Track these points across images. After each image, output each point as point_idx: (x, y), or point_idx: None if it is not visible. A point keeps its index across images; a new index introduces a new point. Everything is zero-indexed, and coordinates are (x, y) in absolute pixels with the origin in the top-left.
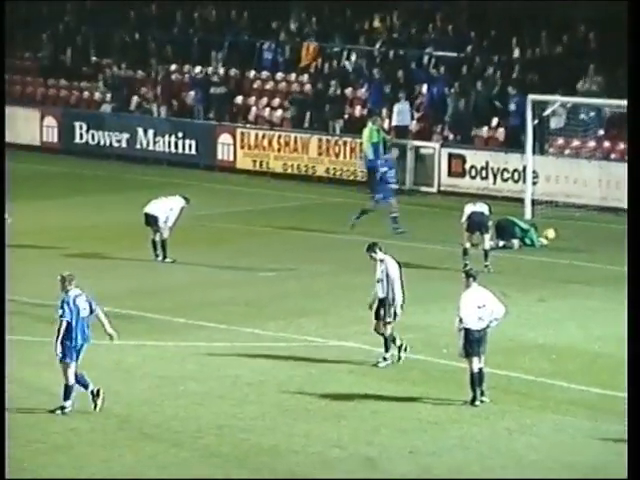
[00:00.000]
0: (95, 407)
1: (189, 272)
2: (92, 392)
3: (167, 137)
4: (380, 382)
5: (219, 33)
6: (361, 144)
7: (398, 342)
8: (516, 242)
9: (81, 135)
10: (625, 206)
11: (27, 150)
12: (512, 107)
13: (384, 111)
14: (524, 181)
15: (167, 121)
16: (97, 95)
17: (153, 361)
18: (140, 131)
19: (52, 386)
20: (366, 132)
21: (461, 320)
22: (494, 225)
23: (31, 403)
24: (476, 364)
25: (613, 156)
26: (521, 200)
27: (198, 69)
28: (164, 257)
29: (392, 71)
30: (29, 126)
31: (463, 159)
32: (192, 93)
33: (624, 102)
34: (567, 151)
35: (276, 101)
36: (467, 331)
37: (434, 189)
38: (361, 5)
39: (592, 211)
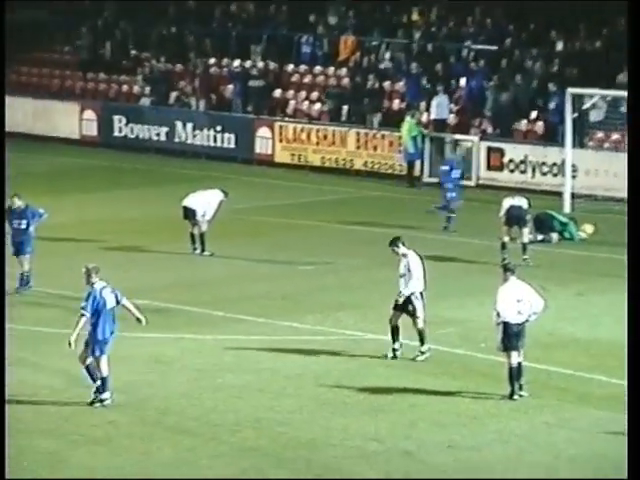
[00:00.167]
0: (92, 403)
1: (227, 265)
2: (97, 388)
3: (206, 131)
4: (418, 376)
5: (258, 27)
6: (399, 137)
7: (425, 347)
8: (555, 236)
9: (120, 128)
10: None
11: (66, 143)
12: (551, 101)
13: (422, 105)
14: (563, 175)
15: (206, 115)
16: (136, 89)
17: (191, 354)
18: (179, 125)
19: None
20: (405, 126)
21: (499, 314)
22: (533, 219)
23: (69, 395)
24: (515, 358)
25: None
26: (560, 194)
27: (237, 63)
28: (202, 250)
29: (430, 64)
30: (68, 120)
31: (502, 153)
32: (231, 87)
33: None
34: (606, 144)
35: (314, 94)
36: (506, 325)
37: (472, 183)
38: None
39: None
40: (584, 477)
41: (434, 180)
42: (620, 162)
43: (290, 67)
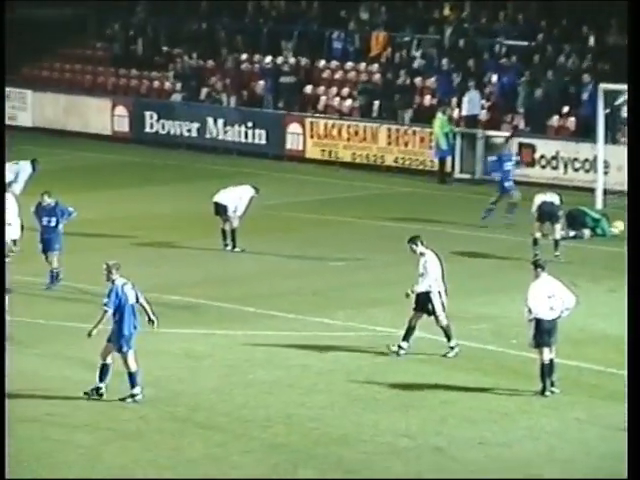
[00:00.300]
0: (89, 395)
1: (258, 261)
2: (98, 388)
3: (237, 127)
4: (449, 372)
5: (289, 23)
6: (430, 134)
7: (453, 342)
8: (587, 232)
9: (151, 125)
10: None
11: (98, 139)
12: (584, 96)
13: (453, 101)
14: (595, 171)
15: (237, 111)
16: (168, 85)
17: (222, 350)
18: (210, 121)
19: (124, 374)
20: (437, 122)
21: (530, 310)
22: (565, 215)
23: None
24: (547, 355)
25: None
26: (592, 190)
27: (268, 59)
28: (233, 246)
29: (462, 60)
30: (100, 116)
31: (533, 148)
32: (262, 83)
33: None
34: None
35: (345, 90)
36: (538, 321)
37: None
38: None
39: None
40: (615, 474)
41: (465, 176)
42: None
43: (321, 63)
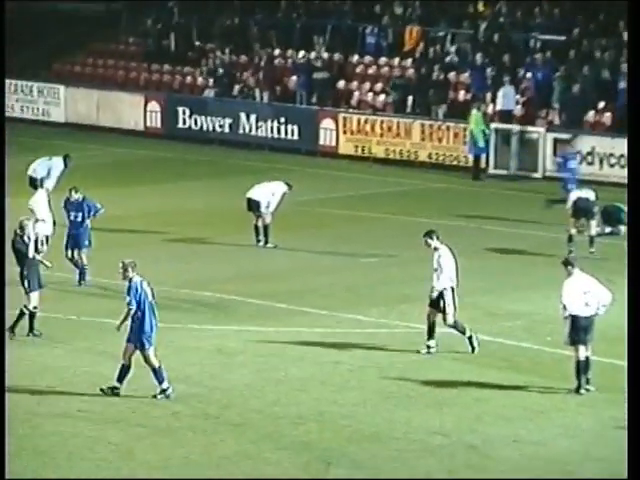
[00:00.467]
0: (104, 392)
1: (290, 257)
2: (115, 387)
3: (269, 122)
4: (483, 369)
5: (322, 17)
6: (464, 129)
7: (468, 333)
8: (623, 228)
9: (184, 120)
10: None
11: (131, 135)
12: (620, 85)
13: (487, 96)
14: None
15: (269, 106)
16: (200, 80)
17: (254, 346)
18: (243, 116)
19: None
20: (473, 119)
21: (565, 307)
22: (600, 211)
23: (135, 387)
24: (582, 352)
25: None
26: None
27: (301, 54)
28: (266, 242)
29: (496, 55)
30: (133, 111)
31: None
32: (295, 78)
33: None
34: None
35: (379, 86)
36: (574, 318)
37: (539, 174)
38: None
39: None
40: None
41: (499, 172)
42: None
43: (355, 58)
